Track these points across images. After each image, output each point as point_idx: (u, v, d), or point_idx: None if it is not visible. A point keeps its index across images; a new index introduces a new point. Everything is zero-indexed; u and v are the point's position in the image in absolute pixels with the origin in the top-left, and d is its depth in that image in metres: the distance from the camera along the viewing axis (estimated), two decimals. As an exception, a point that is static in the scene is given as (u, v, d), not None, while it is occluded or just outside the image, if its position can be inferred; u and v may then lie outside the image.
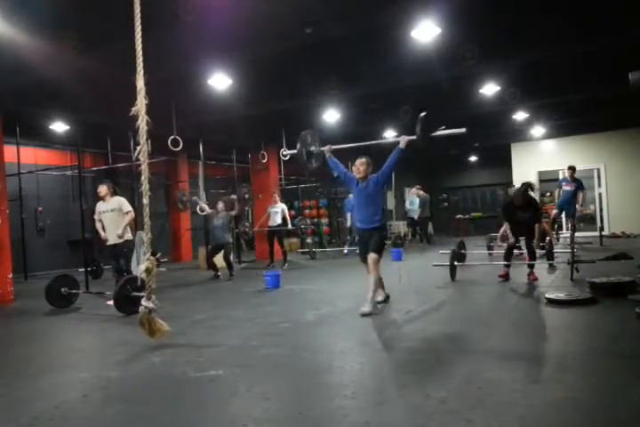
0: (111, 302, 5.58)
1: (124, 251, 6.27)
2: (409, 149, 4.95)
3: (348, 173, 5.29)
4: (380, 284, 5.15)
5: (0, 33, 4.94)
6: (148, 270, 3.82)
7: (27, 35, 5.02)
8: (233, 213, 8.36)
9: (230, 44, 5.76)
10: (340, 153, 5.43)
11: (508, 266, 6.56)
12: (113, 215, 6.30)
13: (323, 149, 5.42)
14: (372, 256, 4.90)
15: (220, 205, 8.39)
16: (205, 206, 8.62)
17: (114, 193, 6.45)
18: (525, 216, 6.37)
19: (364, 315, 4.68)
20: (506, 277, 6.52)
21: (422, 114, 4.95)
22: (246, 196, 10.44)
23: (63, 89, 6.78)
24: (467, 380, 2.85)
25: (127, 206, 6.30)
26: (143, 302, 3.85)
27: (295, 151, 5.51)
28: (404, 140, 4.97)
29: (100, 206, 6.44)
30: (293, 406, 2.67)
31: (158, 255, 6.71)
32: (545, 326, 4.23)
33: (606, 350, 3.37)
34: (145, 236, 3.95)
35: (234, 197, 9.15)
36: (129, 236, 6.32)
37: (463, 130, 4.95)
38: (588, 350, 3.38)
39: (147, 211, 3.86)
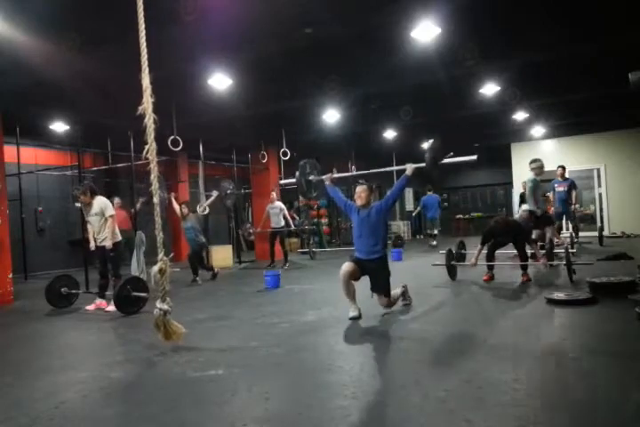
0: (111, 308, 5.64)
1: (110, 255, 5.97)
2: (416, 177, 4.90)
3: (348, 202, 5.07)
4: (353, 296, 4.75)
5: (0, 33, 4.94)
6: (161, 271, 3.71)
7: (27, 35, 5.02)
8: (199, 210, 8.34)
9: (230, 44, 5.76)
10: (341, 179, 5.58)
11: (491, 268, 6.65)
12: (97, 219, 5.96)
13: (323, 177, 5.36)
14: (384, 301, 4.78)
15: (185, 210, 8.22)
16: (176, 207, 8.33)
17: (93, 194, 5.99)
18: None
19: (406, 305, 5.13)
20: (490, 280, 6.58)
21: (431, 141, 4.90)
22: (228, 191, 10.35)
23: (63, 89, 6.77)
24: (467, 380, 2.85)
25: (109, 210, 5.91)
26: (158, 304, 3.73)
27: (294, 180, 5.60)
28: (410, 167, 4.81)
29: (85, 211, 6.08)
30: (293, 406, 2.67)
31: (171, 255, 6.59)
32: (545, 326, 4.23)
33: (606, 350, 3.37)
34: (158, 235, 3.78)
35: (215, 192, 9.11)
36: (116, 239, 6.00)
37: (474, 157, 4.86)
38: (588, 350, 3.38)
39: (157, 210, 3.76)
